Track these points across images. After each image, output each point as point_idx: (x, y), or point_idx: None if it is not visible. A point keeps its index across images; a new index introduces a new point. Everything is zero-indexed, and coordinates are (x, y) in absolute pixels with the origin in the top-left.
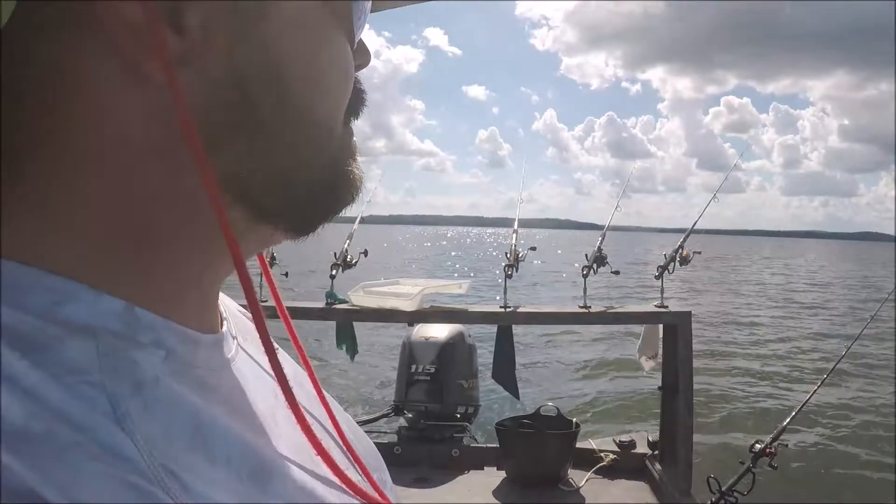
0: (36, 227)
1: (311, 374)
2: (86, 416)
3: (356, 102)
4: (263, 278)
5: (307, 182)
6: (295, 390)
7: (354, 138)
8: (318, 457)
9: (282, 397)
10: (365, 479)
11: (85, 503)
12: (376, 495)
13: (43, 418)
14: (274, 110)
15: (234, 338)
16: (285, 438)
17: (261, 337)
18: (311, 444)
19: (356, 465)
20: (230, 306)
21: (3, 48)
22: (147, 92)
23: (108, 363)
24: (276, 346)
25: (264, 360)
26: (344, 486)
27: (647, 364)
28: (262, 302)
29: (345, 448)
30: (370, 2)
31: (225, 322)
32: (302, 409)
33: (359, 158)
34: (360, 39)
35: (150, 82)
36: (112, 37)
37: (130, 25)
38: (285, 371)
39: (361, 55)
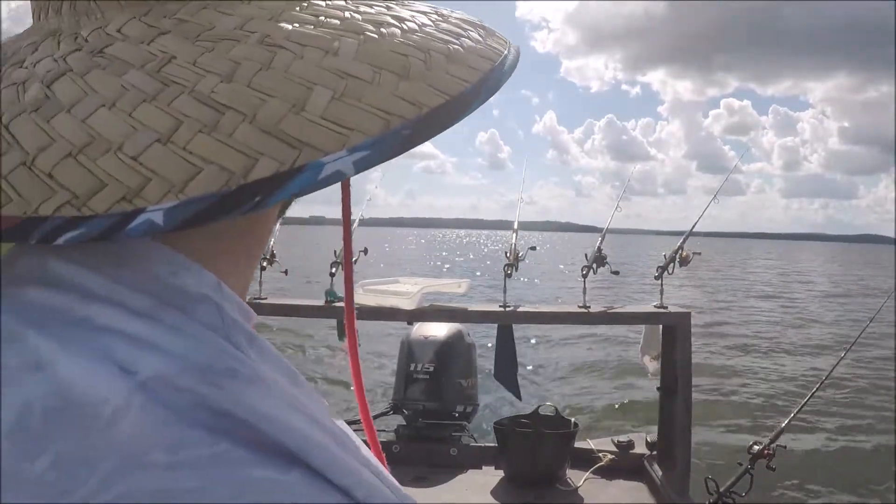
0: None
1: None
2: (241, 358)
3: None
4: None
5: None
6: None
7: None
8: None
9: None
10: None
11: (289, 424)
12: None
13: (221, 359)
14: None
15: None
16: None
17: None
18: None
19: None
20: None
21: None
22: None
23: (227, 322)
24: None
25: None
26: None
27: (651, 365)
28: (263, 299)
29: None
30: None
31: None
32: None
33: None
34: None
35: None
36: None
37: None
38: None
39: None
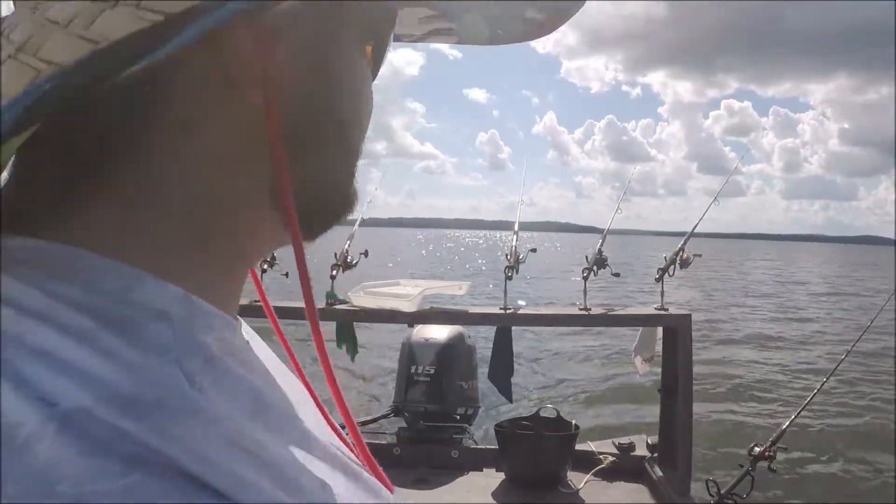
0: (116, 223)
1: (300, 374)
2: (180, 387)
3: None
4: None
5: (333, 196)
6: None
7: None
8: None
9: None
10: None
11: (208, 457)
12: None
13: (152, 388)
14: (328, 130)
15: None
16: (304, 414)
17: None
18: (342, 412)
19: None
20: None
21: (110, 58)
22: (241, 111)
23: (181, 343)
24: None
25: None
26: (362, 460)
27: (642, 367)
28: (255, 302)
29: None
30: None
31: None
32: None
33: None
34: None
35: (244, 103)
36: (221, 61)
37: (240, 53)
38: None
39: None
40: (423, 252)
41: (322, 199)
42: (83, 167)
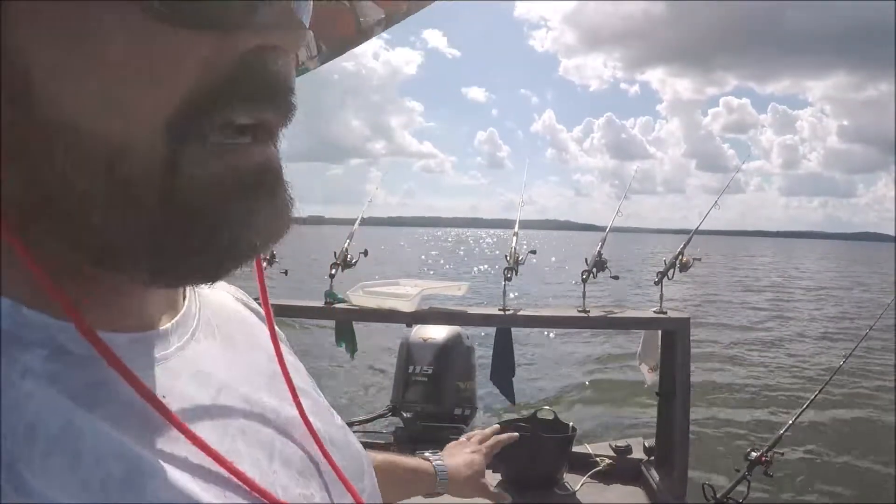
0: None
1: (285, 374)
2: None
3: (248, 101)
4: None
5: (107, 221)
6: (267, 392)
7: (266, 159)
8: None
9: (238, 394)
10: (339, 484)
11: None
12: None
13: None
14: (30, 129)
15: (190, 333)
16: (209, 434)
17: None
18: (192, 440)
19: (332, 470)
20: (220, 301)
21: None
22: None
23: None
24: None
25: (251, 356)
26: (248, 488)
27: (650, 376)
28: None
29: (316, 453)
30: None
31: (180, 319)
32: (179, 421)
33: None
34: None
35: None
36: None
37: None
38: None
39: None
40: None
41: (104, 222)
42: None
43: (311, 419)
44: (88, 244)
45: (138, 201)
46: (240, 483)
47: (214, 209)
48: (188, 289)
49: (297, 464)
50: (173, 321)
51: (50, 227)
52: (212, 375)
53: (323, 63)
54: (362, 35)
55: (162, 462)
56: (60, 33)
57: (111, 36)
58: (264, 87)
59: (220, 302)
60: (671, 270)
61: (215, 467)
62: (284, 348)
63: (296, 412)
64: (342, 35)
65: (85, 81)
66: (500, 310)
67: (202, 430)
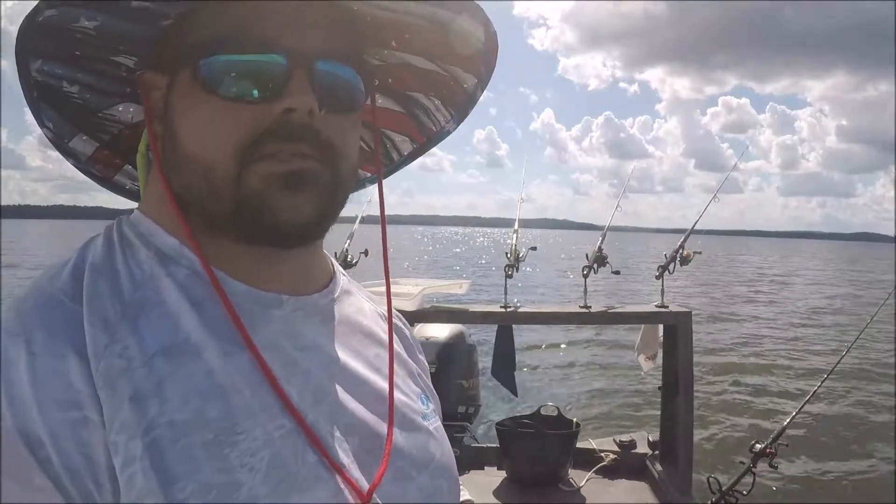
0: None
1: (390, 359)
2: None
3: (273, 139)
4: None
5: (210, 207)
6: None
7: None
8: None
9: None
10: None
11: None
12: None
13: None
14: (171, 154)
15: (304, 311)
16: (277, 368)
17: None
18: (277, 393)
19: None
20: (368, 312)
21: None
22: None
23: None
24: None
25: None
26: (283, 403)
27: (646, 364)
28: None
29: (377, 425)
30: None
31: (301, 300)
32: (284, 391)
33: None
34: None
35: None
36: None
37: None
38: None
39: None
40: (457, 250)
41: (206, 208)
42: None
43: (395, 403)
44: (203, 217)
45: (220, 196)
46: (278, 400)
47: (258, 199)
48: (340, 289)
49: (344, 418)
50: (292, 298)
51: (188, 208)
52: (301, 337)
53: (458, 126)
54: (471, 99)
55: (223, 359)
56: (185, 107)
57: (206, 110)
58: (288, 132)
59: (369, 312)
60: (672, 264)
61: (265, 385)
62: (416, 359)
63: (378, 390)
64: (459, 100)
65: (194, 132)
66: (501, 307)
67: (272, 362)
